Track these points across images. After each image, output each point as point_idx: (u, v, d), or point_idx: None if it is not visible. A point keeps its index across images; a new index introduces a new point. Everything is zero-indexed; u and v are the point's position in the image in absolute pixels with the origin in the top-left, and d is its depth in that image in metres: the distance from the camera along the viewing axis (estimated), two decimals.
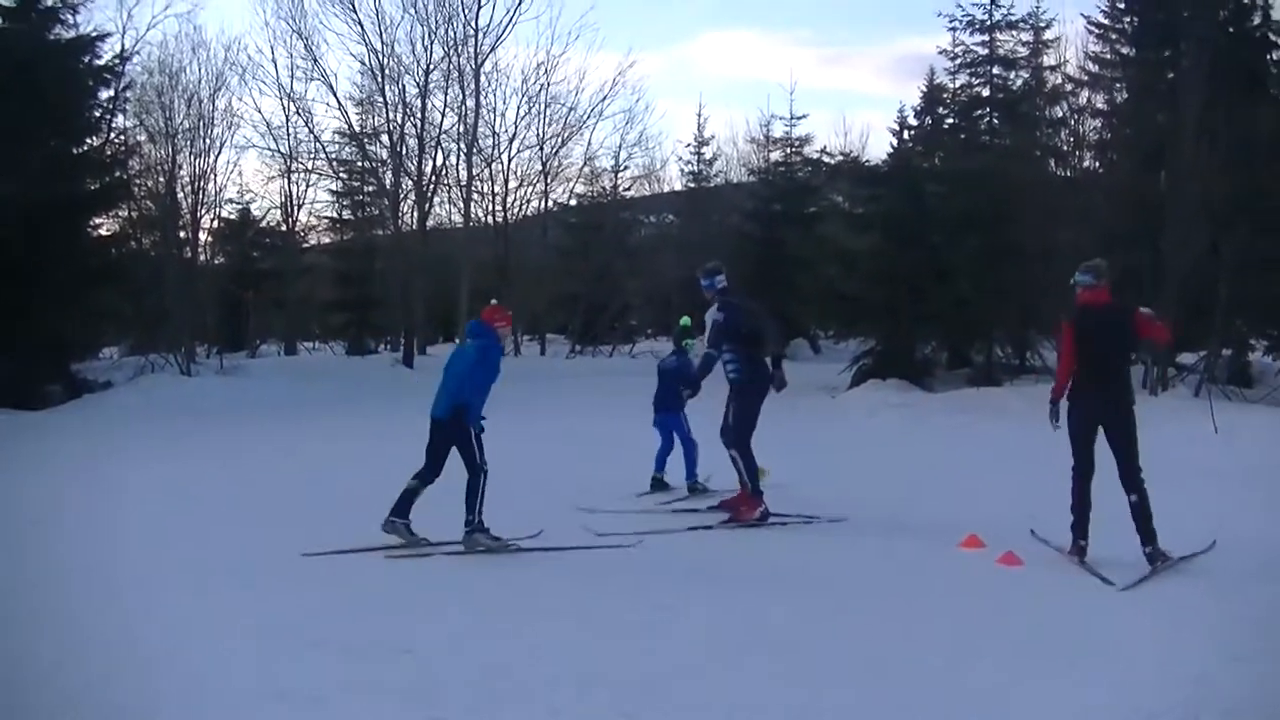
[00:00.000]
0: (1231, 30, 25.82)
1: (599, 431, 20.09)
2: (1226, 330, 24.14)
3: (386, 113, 38.91)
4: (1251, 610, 8.25)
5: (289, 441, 19.94)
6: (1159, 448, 17.39)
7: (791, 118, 43.96)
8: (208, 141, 35.78)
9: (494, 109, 42.85)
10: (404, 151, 39.07)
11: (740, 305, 12.24)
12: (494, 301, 11.23)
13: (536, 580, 9.35)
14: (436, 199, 41.48)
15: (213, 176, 36.77)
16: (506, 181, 43.15)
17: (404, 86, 38.56)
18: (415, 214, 40.15)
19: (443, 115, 39.53)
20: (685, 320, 15.37)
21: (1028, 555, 9.79)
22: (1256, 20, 26.11)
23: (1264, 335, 25.49)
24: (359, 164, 43.47)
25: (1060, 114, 30.97)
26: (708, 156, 49.43)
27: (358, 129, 41.01)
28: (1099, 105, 29.69)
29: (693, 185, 49.58)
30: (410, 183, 39.50)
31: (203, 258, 39.38)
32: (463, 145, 40.34)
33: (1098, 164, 29.45)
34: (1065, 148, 30.36)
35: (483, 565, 9.90)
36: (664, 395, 14.17)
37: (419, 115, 38.64)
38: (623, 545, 10.59)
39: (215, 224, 41.82)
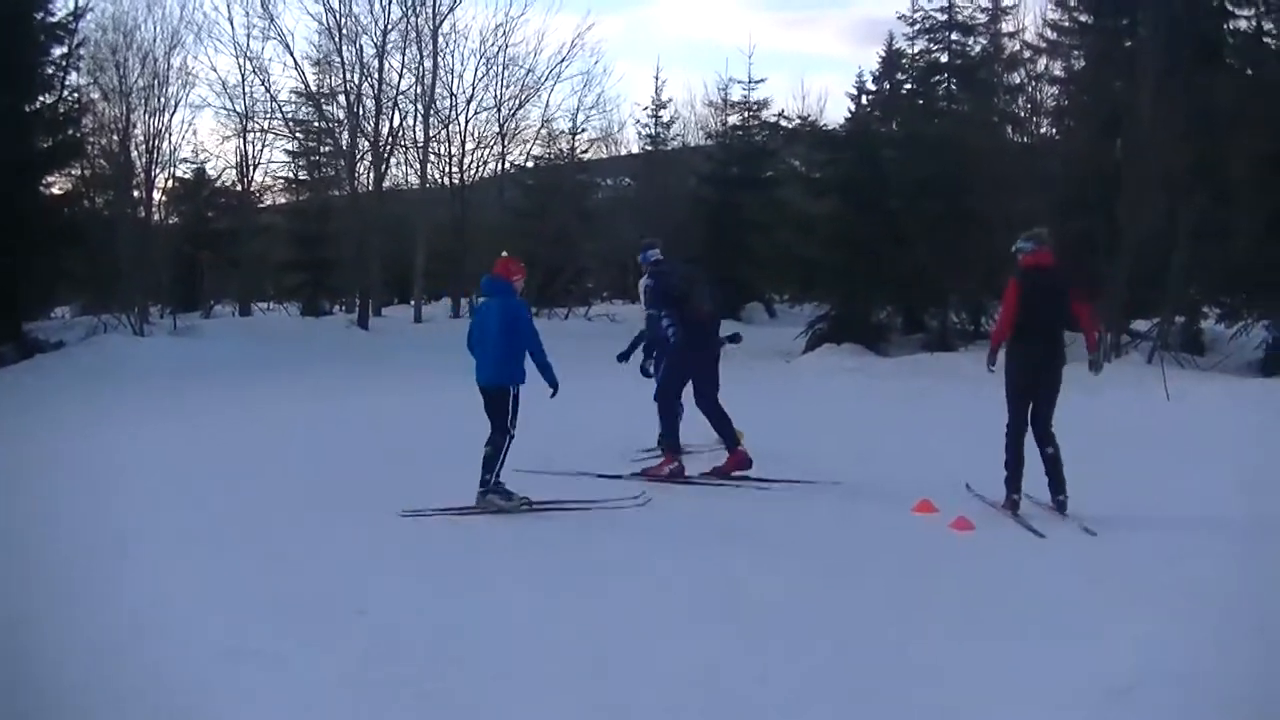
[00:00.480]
0: None
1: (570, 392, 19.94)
2: (1180, 298, 24.35)
3: (344, 73, 38.64)
4: (1193, 572, 8.32)
5: (245, 402, 19.87)
6: (1110, 415, 17.95)
7: (750, 81, 43.92)
8: (162, 100, 35.16)
9: (452, 70, 42.83)
10: (361, 112, 38.78)
11: (670, 270, 12.65)
12: (504, 253, 11.09)
13: (505, 541, 9.41)
14: (393, 160, 41.26)
15: (167, 136, 36.09)
16: (464, 143, 42.82)
17: (361, 47, 38.27)
18: (371, 175, 39.91)
19: (400, 76, 39.39)
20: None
21: (979, 519, 9.81)
22: None
23: (1217, 303, 25.67)
24: (315, 124, 43.22)
25: (1018, 81, 31.15)
26: (665, 120, 49.40)
27: (314, 89, 40.81)
28: (1057, 72, 29.81)
29: (650, 148, 49.51)
30: (367, 143, 39.17)
31: (157, 217, 38.69)
32: (420, 106, 40.23)
33: (1055, 131, 29.64)
34: (1023, 114, 30.54)
35: (491, 525, 9.97)
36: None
37: (376, 76, 38.37)
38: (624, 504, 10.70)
39: (170, 184, 41.14)
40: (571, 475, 12.05)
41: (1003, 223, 24.71)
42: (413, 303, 41.18)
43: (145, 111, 34.28)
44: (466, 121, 42.52)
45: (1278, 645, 6.83)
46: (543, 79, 43.31)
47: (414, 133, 40.73)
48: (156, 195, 37.69)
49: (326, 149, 44.43)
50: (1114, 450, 14.04)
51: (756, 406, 14.67)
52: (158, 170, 36.12)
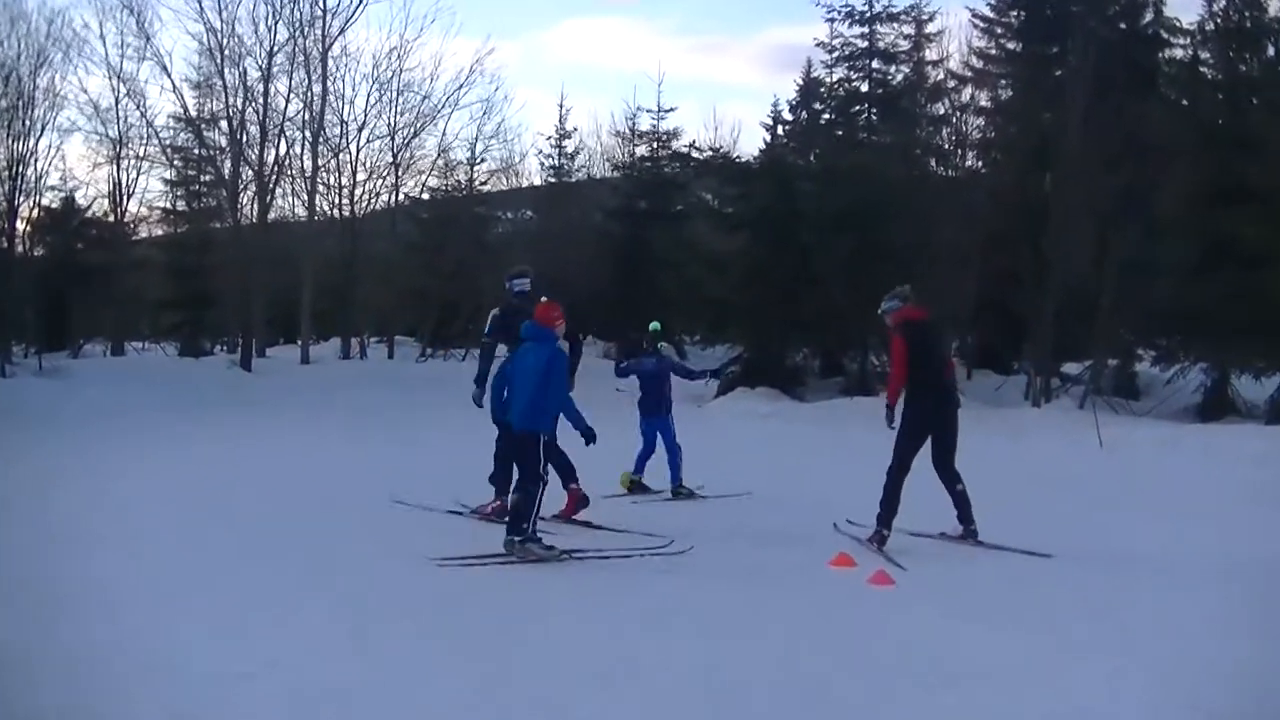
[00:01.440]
0: (1123, 27, 25.93)
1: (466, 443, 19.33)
2: (1111, 338, 24.14)
3: (226, 97, 38.01)
4: (1131, 621, 8.33)
5: (115, 448, 18.97)
6: (1040, 462, 17.75)
7: (659, 110, 43.60)
8: (28, 123, 34.38)
9: (342, 96, 42.20)
10: (244, 139, 38.17)
11: (523, 309, 12.02)
12: (544, 299, 11.14)
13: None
14: (279, 190, 40.70)
15: (33, 161, 35.36)
16: (355, 173, 42.27)
17: (245, 69, 37.68)
18: (256, 206, 39.28)
19: (287, 101, 38.82)
20: (655, 325, 15.68)
21: (899, 574, 9.64)
22: (1149, 18, 26.23)
23: (1151, 344, 25.54)
24: (195, 151, 42.30)
25: (942, 111, 31.10)
26: (569, 150, 48.96)
27: (194, 114, 39.94)
28: (983, 103, 29.93)
29: (553, 180, 49.07)
30: (251, 172, 38.58)
31: (21, 249, 37.80)
32: (308, 134, 39.57)
33: (980, 163, 29.66)
34: (947, 146, 30.43)
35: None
36: (650, 400, 14.62)
37: (261, 100, 37.77)
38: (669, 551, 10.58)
39: (35, 213, 40.22)
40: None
41: (924, 258, 24.52)
42: (299, 342, 40.29)
43: (9, 134, 33.36)
44: (358, 150, 42.05)
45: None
46: (440, 106, 42.93)
47: (301, 161, 40.17)
48: (20, 225, 36.65)
49: (207, 178, 43.46)
50: (1043, 498, 14.41)
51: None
52: (22, 198, 35.23)
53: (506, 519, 10.52)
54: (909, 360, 10.95)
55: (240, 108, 37.69)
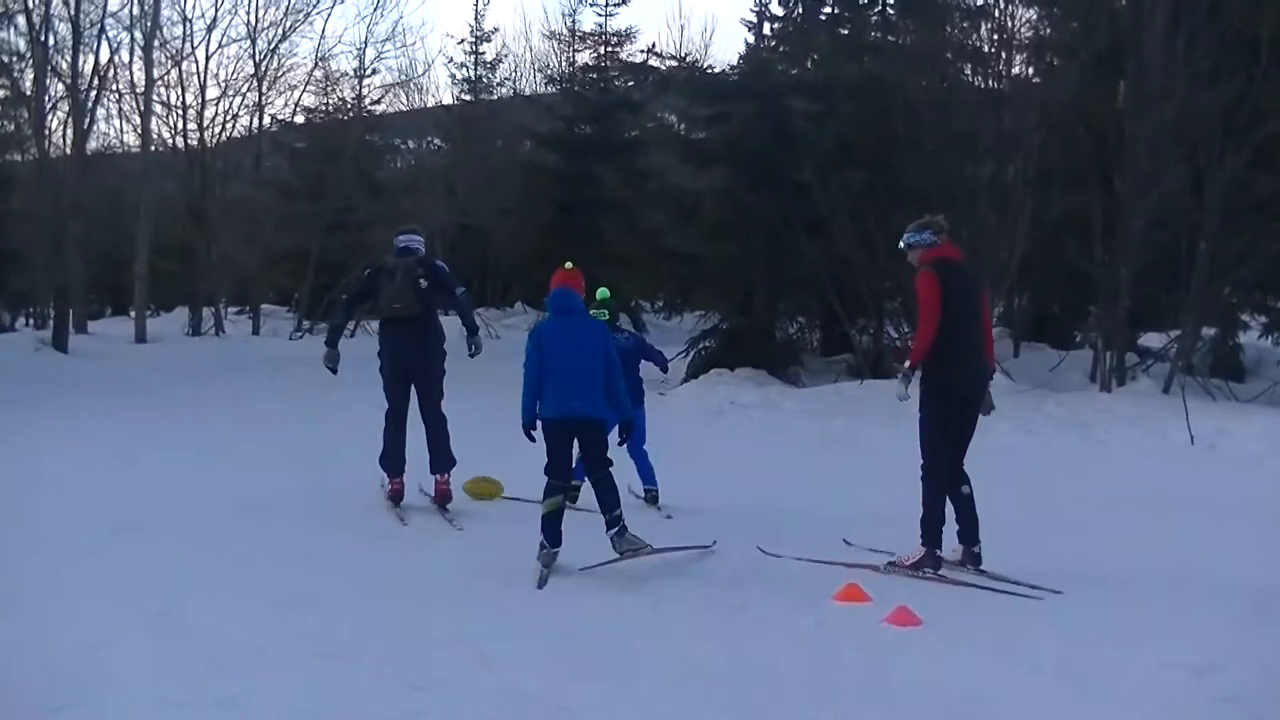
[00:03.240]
0: None
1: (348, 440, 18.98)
2: (1209, 301, 23.88)
3: None
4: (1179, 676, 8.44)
5: None
6: (1114, 464, 17.42)
7: (607, 4, 43.71)
8: None
9: None
10: (52, 42, 37.63)
11: (389, 266, 14.80)
12: (569, 265, 12.29)
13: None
14: (101, 111, 40.12)
15: None
16: (203, 88, 41.80)
17: None
18: (70, 132, 38.75)
19: None
20: (604, 291, 15.78)
21: (927, 610, 9.71)
22: None
23: (1261, 308, 25.27)
24: None
25: (981, 2, 30.63)
26: (489, 58, 49.02)
27: None
28: None
29: (468, 99, 49.05)
30: (62, 86, 38.27)
31: None
32: (138, 34, 39.17)
33: (1032, 71, 29.21)
34: (987, 48, 29.96)
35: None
36: (632, 386, 14.61)
37: None
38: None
39: None
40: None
41: (957, 197, 24.22)
42: (133, 314, 39.81)
43: None
44: (207, 57, 42.09)
45: None
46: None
47: (130, 72, 39.84)
48: None
49: (2, 94, 42.57)
50: (1114, 514, 14.42)
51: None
52: None
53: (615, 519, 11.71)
54: (943, 309, 10.93)
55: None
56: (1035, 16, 29.51)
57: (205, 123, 42.04)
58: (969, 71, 29.92)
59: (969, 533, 11.21)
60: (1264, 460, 17.85)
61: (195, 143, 42.01)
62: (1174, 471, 17.34)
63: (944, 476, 11.16)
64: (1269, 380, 23.96)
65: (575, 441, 11.91)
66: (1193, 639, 9.24)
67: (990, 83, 29.15)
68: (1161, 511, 14.53)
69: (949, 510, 11.16)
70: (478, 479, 14.69)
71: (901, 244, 11.56)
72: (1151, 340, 25.86)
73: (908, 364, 11.07)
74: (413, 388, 14.76)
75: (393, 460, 14.64)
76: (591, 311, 14.44)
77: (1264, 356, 25.58)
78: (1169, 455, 18.37)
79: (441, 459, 14.54)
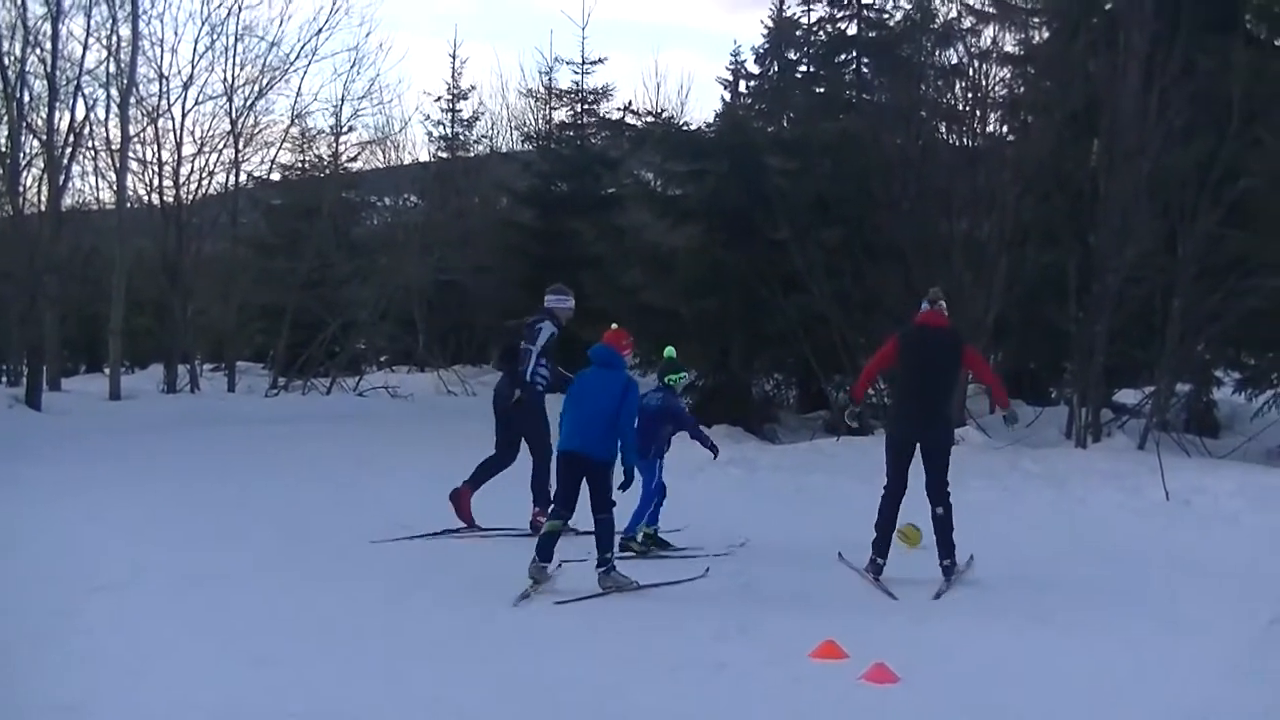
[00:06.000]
0: None
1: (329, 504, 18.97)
2: (1183, 357, 23.97)
3: None
4: None
5: None
6: (1089, 520, 17.55)
7: (584, 63, 43.69)
8: None
9: (161, 41, 41.38)
10: (26, 98, 37.23)
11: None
12: (615, 325, 14.05)
13: None
14: (76, 168, 39.94)
15: None
16: (179, 145, 41.59)
17: (24, 3, 36.62)
18: (44, 189, 38.27)
19: (85, 47, 37.94)
20: (670, 351, 17.13)
21: (906, 667, 9.79)
22: None
23: (1235, 364, 25.33)
24: None
25: (956, 60, 30.82)
26: (466, 116, 49.04)
27: None
28: (1009, 48, 29.57)
29: (444, 155, 49.04)
30: (37, 143, 37.78)
31: None
32: (114, 92, 38.79)
33: (1007, 129, 29.34)
34: (962, 107, 30.12)
35: None
36: (643, 440, 15.29)
37: (49, 46, 36.76)
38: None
39: None
40: None
41: (933, 254, 24.30)
42: (107, 371, 39.54)
43: None
44: (184, 115, 41.34)
45: None
46: (293, 57, 42.43)
47: (106, 129, 39.48)
48: None
49: None
50: (1092, 570, 14.61)
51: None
52: None
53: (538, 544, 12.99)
54: (882, 362, 14.26)
55: (19, 56, 36.57)
56: (1009, 75, 29.75)
57: (181, 179, 41.72)
58: (944, 129, 30.07)
59: (940, 547, 13.38)
60: (1239, 517, 17.81)
61: (171, 199, 41.71)
62: (1150, 528, 17.38)
63: (889, 498, 13.75)
64: (1243, 436, 24.05)
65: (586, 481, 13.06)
66: (1174, 693, 9.35)
67: (965, 140, 29.25)
68: (1139, 568, 14.62)
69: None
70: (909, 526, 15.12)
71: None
72: (1127, 396, 25.98)
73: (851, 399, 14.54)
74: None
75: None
76: (663, 370, 16.80)
77: (1238, 412, 25.62)
78: (1145, 512, 18.37)
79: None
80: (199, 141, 42.12)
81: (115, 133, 39.19)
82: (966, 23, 30.69)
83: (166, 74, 40.55)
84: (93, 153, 40.20)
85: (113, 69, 38.22)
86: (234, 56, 41.40)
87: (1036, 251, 24.20)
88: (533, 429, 16.67)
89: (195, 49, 47.51)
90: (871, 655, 9.93)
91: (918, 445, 13.61)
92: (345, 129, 44.98)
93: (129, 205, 40.91)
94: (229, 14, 41.10)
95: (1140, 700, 9.30)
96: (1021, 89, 29.01)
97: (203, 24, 42.31)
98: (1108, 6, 26.42)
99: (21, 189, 38.07)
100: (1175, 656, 10.47)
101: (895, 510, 13.72)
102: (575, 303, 17.95)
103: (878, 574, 13.35)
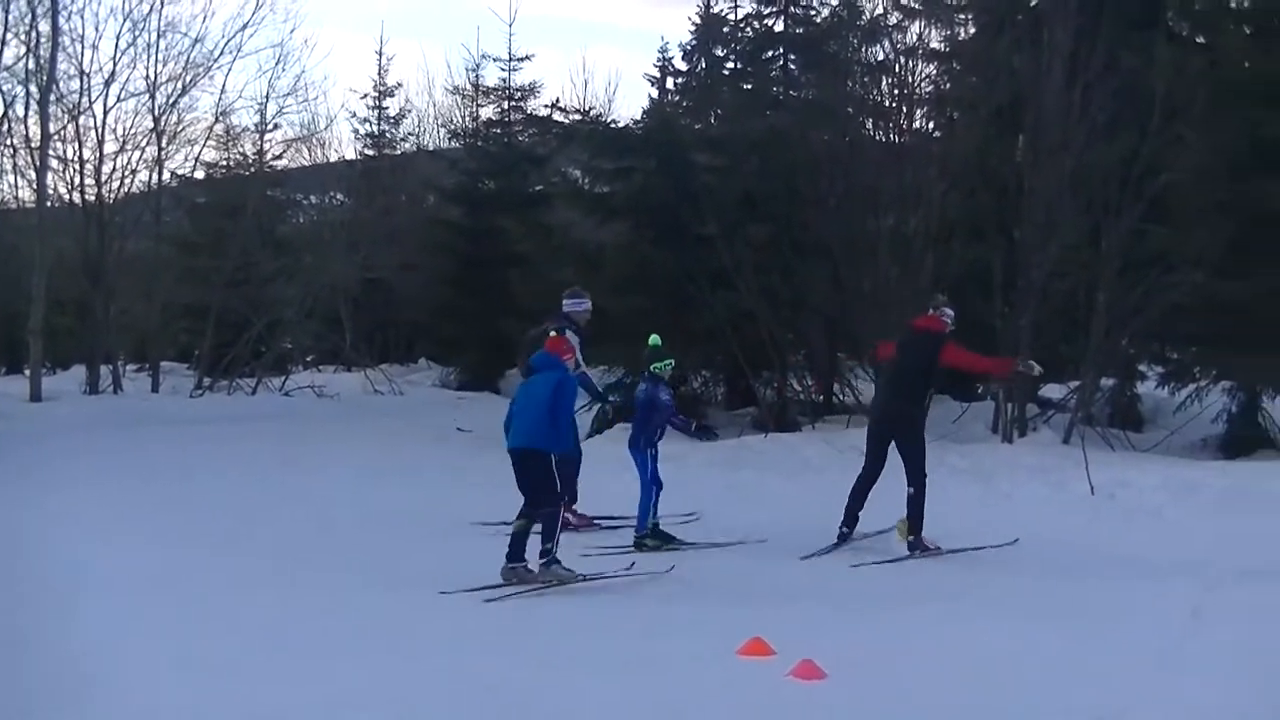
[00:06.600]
0: None
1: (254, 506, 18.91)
2: (1108, 352, 24.07)
3: None
4: None
5: None
6: (1014, 514, 17.63)
7: (511, 59, 43.64)
8: None
9: (82, 37, 40.93)
10: None
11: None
12: (553, 333, 15.20)
13: None
14: None
15: None
16: (101, 143, 41.27)
17: None
18: None
19: (3, 43, 37.71)
20: (655, 339, 17.29)
21: (833, 662, 9.70)
22: None
23: (1158, 359, 25.48)
24: None
25: (882, 57, 30.91)
26: (393, 113, 48.91)
27: None
28: (935, 45, 29.67)
29: (371, 153, 48.88)
30: None
31: None
32: (33, 89, 38.55)
33: (932, 125, 29.42)
34: (888, 103, 30.21)
35: None
36: (634, 430, 16.69)
37: None
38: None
39: None
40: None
41: (859, 251, 24.36)
42: (27, 373, 39.30)
43: None
44: (105, 112, 41.04)
45: None
46: (217, 53, 42.15)
47: (25, 127, 39.13)
48: None
49: None
50: (1018, 567, 14.63)
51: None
52: None
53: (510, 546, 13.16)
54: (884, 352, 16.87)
55: None
56: (935, 72, 29.82)
57: (103, 178, 41.46)
58: (871, 126, 30.14)
59: (909, 522, 15.13)
60: (1162, 510, 17.96)
61: (93, 198, 41.44)
62: (1075, 521, 17.48)
63: (859, 479, 15.56)
64: (1166, 430, 24.14)
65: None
66: (1097, 688, 9.37)
67: (892, 137, 29.40)
68: (1064, 561, 14.73)
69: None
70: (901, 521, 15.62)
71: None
72: (1052, 391, 25.99)
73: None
74: None
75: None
76: (648, 358, 17.07)
77: (1161, 406, 25.69)
78: (1070, 505, 18.48)
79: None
80: (121, 139, 41.77)
81: (35, 130, 38.96)
82: (893, 19, 30.88)
83: (87, 70, 40.28)
84: (11, 150, 39.97)
85: (32, 65, 38.00)
86: (157, 53, 41.26)
87: (962, 247, 24.18)
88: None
89: (117, 45, 46.85)
90: (799, 653, 9.84)
91: (886, 432, 15.54)
92: (270, 126, 44.81)
93: (49, 204, 40.66)
94: (151, 9, 40.89)
95: (1065, 691, 9.33)
96: (947, 85, 29.12)
97: (124, 20, 42.08)
98: (1032, 3, 26.52)
99: None
100: (1101, 648, 10.52)
101: (863, 490, 15.42)
102: (503, 300, 17.88)
103: (841, 540, 15.22)
